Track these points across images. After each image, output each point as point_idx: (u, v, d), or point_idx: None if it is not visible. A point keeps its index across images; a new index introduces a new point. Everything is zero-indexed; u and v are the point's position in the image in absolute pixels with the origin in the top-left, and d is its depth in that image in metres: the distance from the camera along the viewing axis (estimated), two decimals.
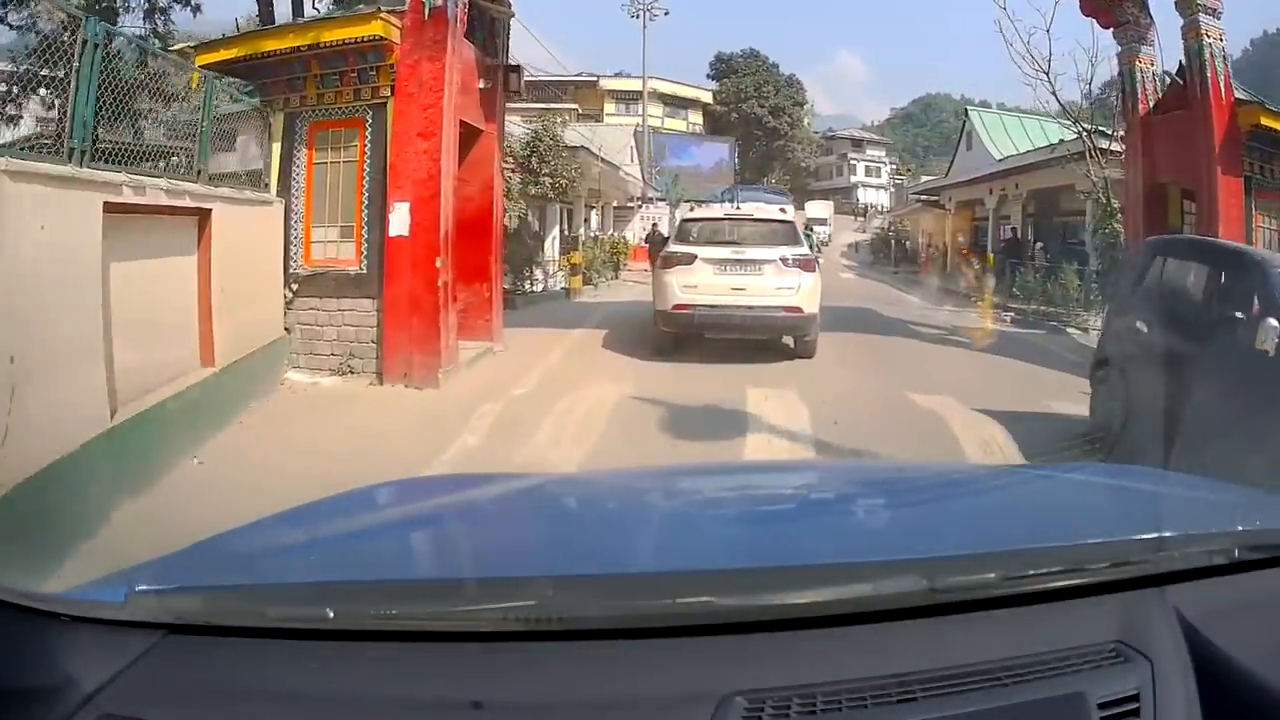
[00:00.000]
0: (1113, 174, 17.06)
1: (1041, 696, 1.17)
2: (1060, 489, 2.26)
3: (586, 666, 1.20)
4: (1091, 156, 17.65)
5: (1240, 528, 1.62)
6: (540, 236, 22.42)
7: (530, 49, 41.47)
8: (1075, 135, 19.69)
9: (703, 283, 11.37)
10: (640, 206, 38.80)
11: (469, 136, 10.96)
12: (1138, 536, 1.54)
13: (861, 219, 65.58)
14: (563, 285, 21.81)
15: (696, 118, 64.44)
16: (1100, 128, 17.95)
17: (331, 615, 1.23)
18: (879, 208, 71.58)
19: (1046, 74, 17.91)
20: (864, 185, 79.59)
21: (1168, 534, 1.54)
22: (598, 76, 58.58)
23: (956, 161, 34.98)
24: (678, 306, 11.42)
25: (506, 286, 16.14)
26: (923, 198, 38.43)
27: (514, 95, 12.85)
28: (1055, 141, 22.65)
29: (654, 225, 25.49)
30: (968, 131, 34.40)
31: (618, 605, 1.31)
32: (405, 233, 9.31)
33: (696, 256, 11.60)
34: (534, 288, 20.41)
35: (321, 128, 10.03)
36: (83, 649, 1.22)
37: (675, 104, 62.90)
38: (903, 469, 3.13)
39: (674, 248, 12.02)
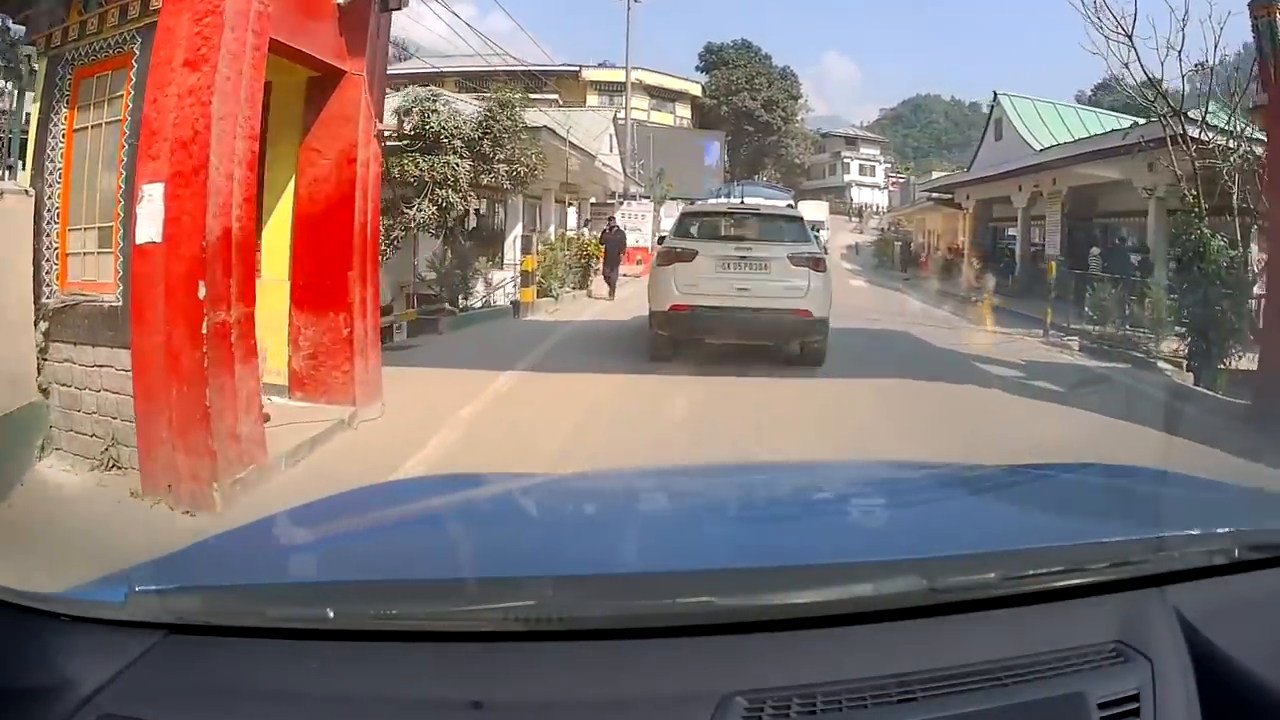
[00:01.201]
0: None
1: (1041, 696, 1.18)
2: (1060, 489, 2.25)
3: (586, 666, 1.21)
4: (1176, 143, 13.49)
5: (1240, 528, 1.61)
6: (499, 236, 17.95)
7: (511, 40, 37.48)
8: (1139, 122, 16.91)
9: (704, 281, 10.52)
10: (622, 203, 34.27)
11: (318, 82, 7.77)
12: (1138, 536, 1.55)
13: (857, 220, 62.01)
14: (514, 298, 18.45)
15: (685, 111, 61.60)
16: (1183, 109, 13.43)
17: (331, 615, 1.23)
18: (875, 208, 67.87)
19: (1129, 37, 13.29)
20: (858, 184, 76.13)
21: (1168, 534, 1.55)
22: (580, 66, 54.65)
23: (982, 154, 30.68)
24: (676, 307, 10.61)
25: (430, 302, 14.60)
26: (934, 196, 33.54)
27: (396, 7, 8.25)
28: (1114, 129, 18.29)
29: (610, 221, 21.30)
30: (996, 120, 30.36)
31: (618, 605, 1.32)
32: (157, 236, 5.60)
33: (697, 253, 10.77)
34: (472, 303, 15.94)
35: (87, 73, 6.67)
36: (83, 649, 1.23)
37: (662, 96, 60.18)
38: (903, 469, 2.99)
39: (674, 243, 11.20)
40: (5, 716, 1.17)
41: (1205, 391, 10.64)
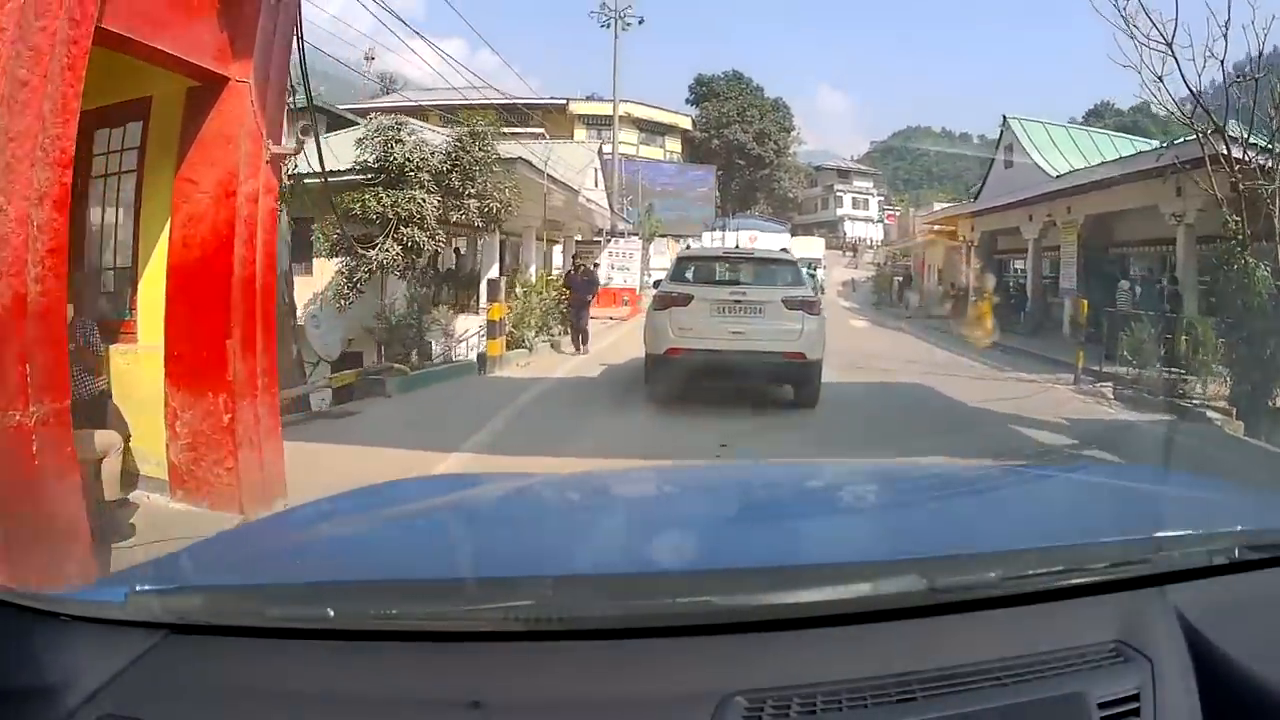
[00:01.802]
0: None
1: (1041, 696, 1.20)
2: (1060, 489, 2.29)
3: (586, 666, 1.23)
4: (1216, 163, 12.07)
5: (1240, 528, 1.65)
6: (474, 278, 16.27)
7: (498, 76, 36.40)
8: (1152, 144, 16.87)
9: (699, 325, 10.80)
10: (609, 241, 32.67)
11: (197, 94, 6.04)
12: (1138, 536, 1.59)
13: (851, 254, 60.78)
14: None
15: (675, 145, 60.80)
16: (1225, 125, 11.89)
17: (331, 615, 1.25)
18: (869, 241, 66.84)
19: (1169, 45, 11.68)
20: (851, 218, 74.92)
21: (1168, 534, 1.58)
22: (567, 99, 53.73)
23: (992, 182, 28.94)
24: (672, 350, 10.87)
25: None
26: (936, 228, 31.96)
27: None
28: (1138, 150, 16.73)
29: (576, 260, 18.94)
30: (1006, 145, 28.38)
31: (617, 605, 1.33)
32: None
33: (693, 297, 11.03)
34: (448, 352, 14.13)
35: None
36: (83, 649, 1.25)
37: (651, 130, 59.48)
38: (902, 469, 3.09)
39: (669, 287, 11.53)
40: (5, 716, 1.17)
41: (1263, 445, 10.06)
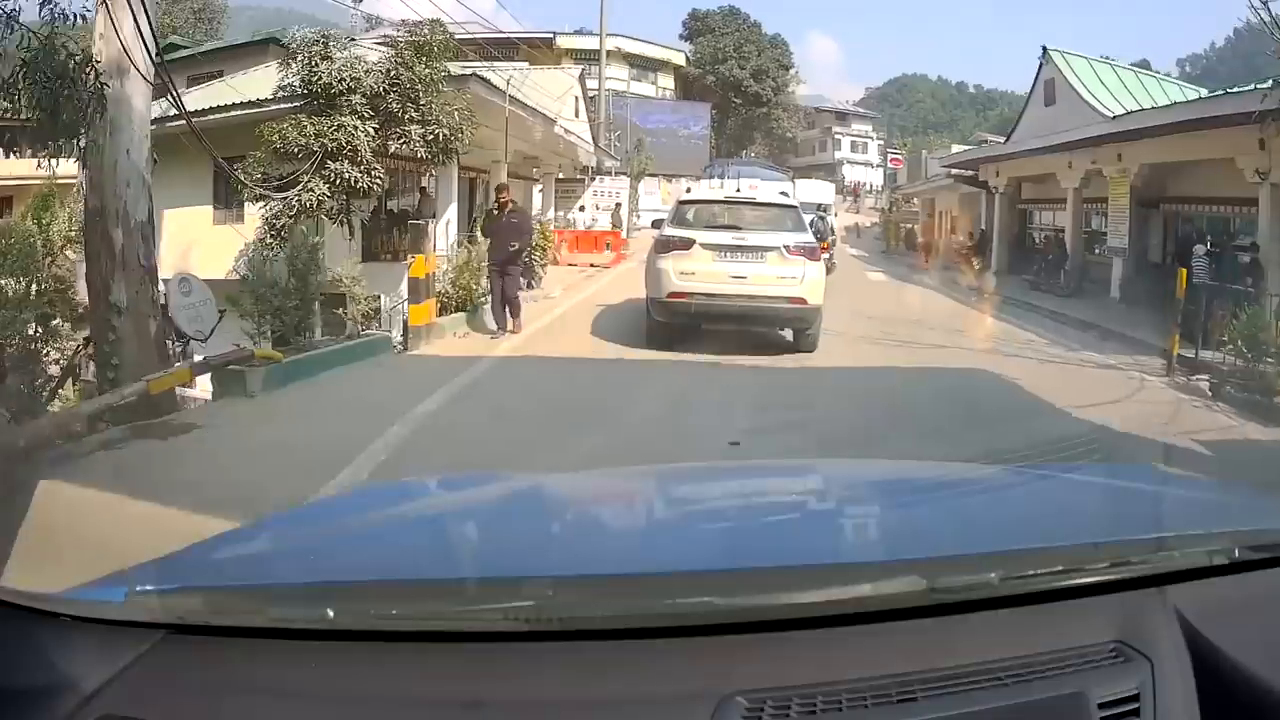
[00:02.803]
0: None
1: (1041, 696, 1.22)
2: (1060, 489, 2.30)
3: (586, 666, 1.24)
4: None
5: (1240, 528, 1.68)
6: (419, 220, 13.01)
7: (493, 17, 33.31)
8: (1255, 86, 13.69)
9: (701, 269, 10.98)
10: (593, 180, 29.23)
11: None
12: (1138, 536, 1.62)
13: (853, 199, 57.81)
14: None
15: (667, 82, 57.98)
16: None
17: (331, 615, 1.27)
18: (869, 186, 63.76)
19: None
20: (849, 162, 71.78)
21: (1168, 534, 1.62)
22: (554, 33, 50.21)
23: (1027, 121, 25.54)
24: (674, 294, 11.02)
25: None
26: (955, 173, 28.84)
27: None
28: (1221, 92, 16.65)
29: (497, 195, 12.77)
30: (1047, 81, 24.95)
31: (617, 605, 1.37)
32: None
33: (694, 241, 11.13)
34: (338, 332, 11.14)
35: None
36: (83, 649, 1.26)
37: (643, 66, 57.00)
38: (903, 469, 3.04)
39: (671, 231, 11.58)
40: (5, 716, 1.18)
41: None
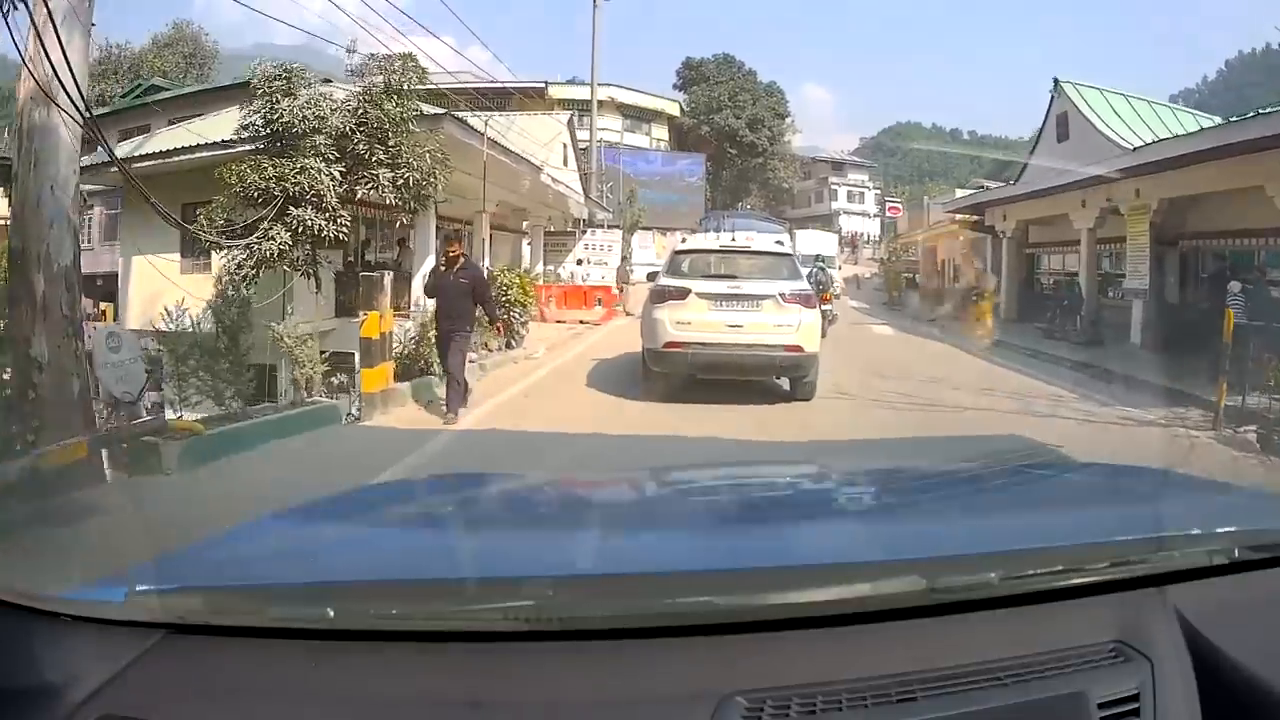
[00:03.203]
0: None
1: (1041, 696, 1.23)
2: (1060, 489, 2.34)
3: (586, 666, 1.26)
4: None
5: (1240, 528, 1.68)
6: (372, 274, 11.88)
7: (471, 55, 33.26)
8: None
9: (697, 319, 10.94)
10: (585, 232, 28.23)
11: None
12: (1138, 536, 1.62)
13: (850, 250, 57.19)
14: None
15: (661, 132, 58.10)
16: None
17: (331, 615, 1.28)
18: (866, 236, 63.14)
19: None
20: (846, 213, 71.16)
21: (1168, 534, 1.62)
22: (545, 83, 49.73)
23: (1037, 160, 24.31)
24: (670, 344, 10.97)
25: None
26: (958, 217, 28.00)
27: None
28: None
29: (451, 244, 10.40)
30: (1059, 115, 23.82)
31: (618, 605, 1.37)
32: None
33: (690, 291, 11.09)
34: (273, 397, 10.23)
35: None
36: (83, 649, 1.28)
37: (636, 116, 57.19)
38: (903, 469, 3.11)
39: (666, 281, 11.58)
40: (5, 716, 1.19)
41: None
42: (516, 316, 17.19)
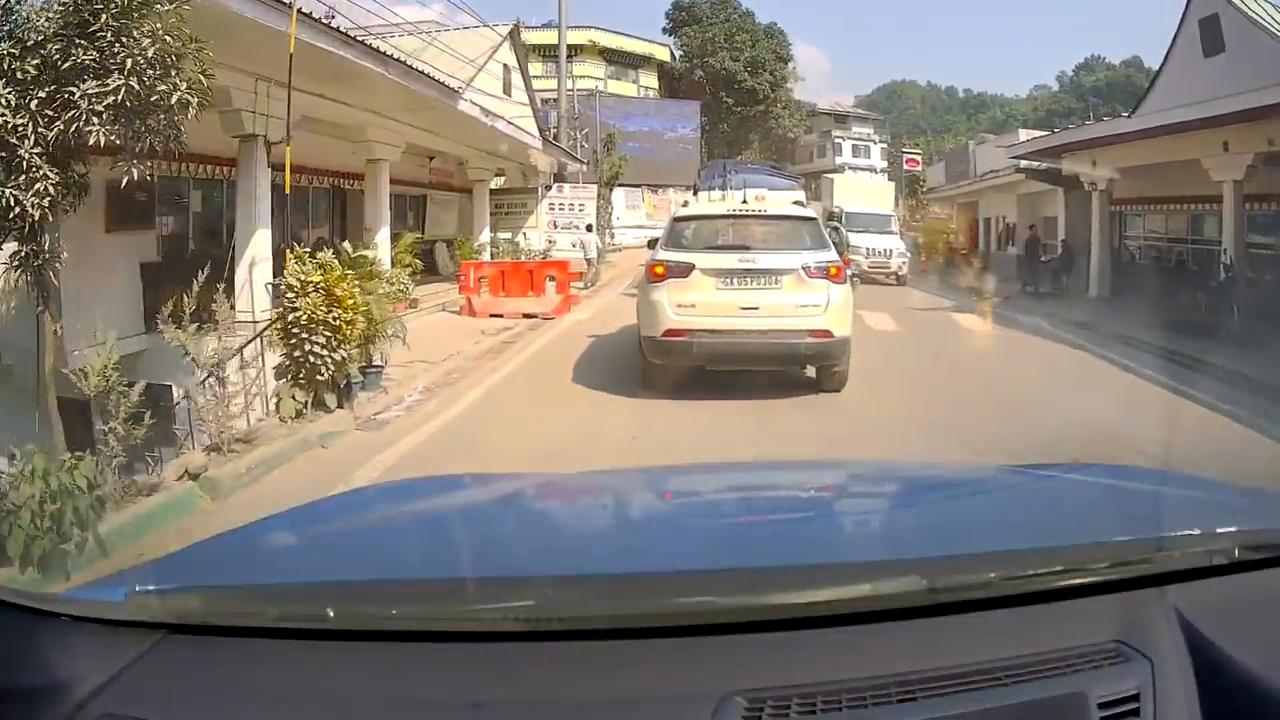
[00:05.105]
0: None
1: (1041, 696, 1.25)
2: (1060, 489, 2.33)
3: (586, 666, 1.29)
4: None
5: (1240, 528, 1.70)
6: (220, 263, 6.54)
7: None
8: None
9: (702, 300, 9.38)
10: (550, 189, 22.02)
11: None
12: (1138, 536, 1.65)
13: None
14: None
15: (651, 80, 52.89)
16: None
17: (331, 615, 1.31)
18: None
19: None
20: (851, 167, 65.65)
21: (1168, 534, 1.64)
22: (519, 21, 43.60)
23: (1166, 78, 18.10)
24: (671, 332, 9.39)
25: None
26: (1032, 165, 24.55)
27: None
28: None
29: None
30: (1205, 19, 17.59)
31: (617, 605, 1.41)
32: None
33: (694, 266, 9.50)
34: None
35: None
36: (83, 649, 1.30)
37: (621, 62, 52.10)
38: (903, 469, 3.03)
39: (664, 255, 9.90)
40: (5, 716, 1.21)
41: None
42: (380, 340, 9.53)
